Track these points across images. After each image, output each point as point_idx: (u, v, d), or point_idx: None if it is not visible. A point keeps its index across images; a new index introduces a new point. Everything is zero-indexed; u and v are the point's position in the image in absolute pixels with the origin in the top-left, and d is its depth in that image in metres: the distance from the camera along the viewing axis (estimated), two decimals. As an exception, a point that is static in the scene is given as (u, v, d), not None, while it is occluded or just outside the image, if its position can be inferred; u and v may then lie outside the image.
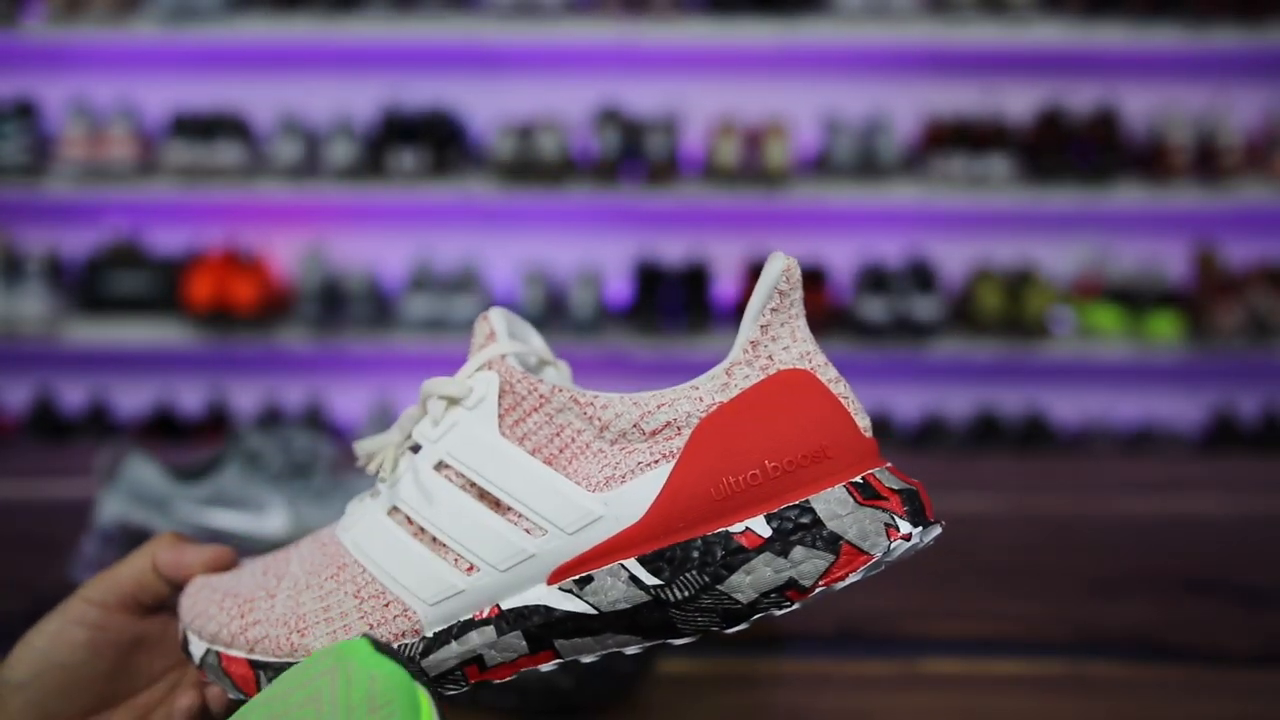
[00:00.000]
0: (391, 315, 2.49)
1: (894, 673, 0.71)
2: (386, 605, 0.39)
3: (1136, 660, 0.73)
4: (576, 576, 0.38)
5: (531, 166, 2.36)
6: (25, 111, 2.43)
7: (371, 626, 0.39)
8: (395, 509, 0.41)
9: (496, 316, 0.42)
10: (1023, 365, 2.61)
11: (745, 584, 0.36)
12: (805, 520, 0.36)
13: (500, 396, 0.40)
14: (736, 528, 0.36)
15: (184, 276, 2.45)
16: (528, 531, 0.38)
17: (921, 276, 2.43)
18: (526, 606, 0.38)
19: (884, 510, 0.36)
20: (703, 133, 2.52)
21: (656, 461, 0.37)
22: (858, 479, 0.37)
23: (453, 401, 0.40)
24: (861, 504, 0.36)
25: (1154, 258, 2.52)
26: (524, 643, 0.38)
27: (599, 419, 0.38)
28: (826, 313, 2.43)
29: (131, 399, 2.65)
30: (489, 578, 0.38)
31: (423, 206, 2.60)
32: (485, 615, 0.39)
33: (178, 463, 0.82)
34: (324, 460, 0.84)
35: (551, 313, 2.46)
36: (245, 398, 2.67)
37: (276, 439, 0.83)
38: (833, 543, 0.36)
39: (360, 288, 2.43)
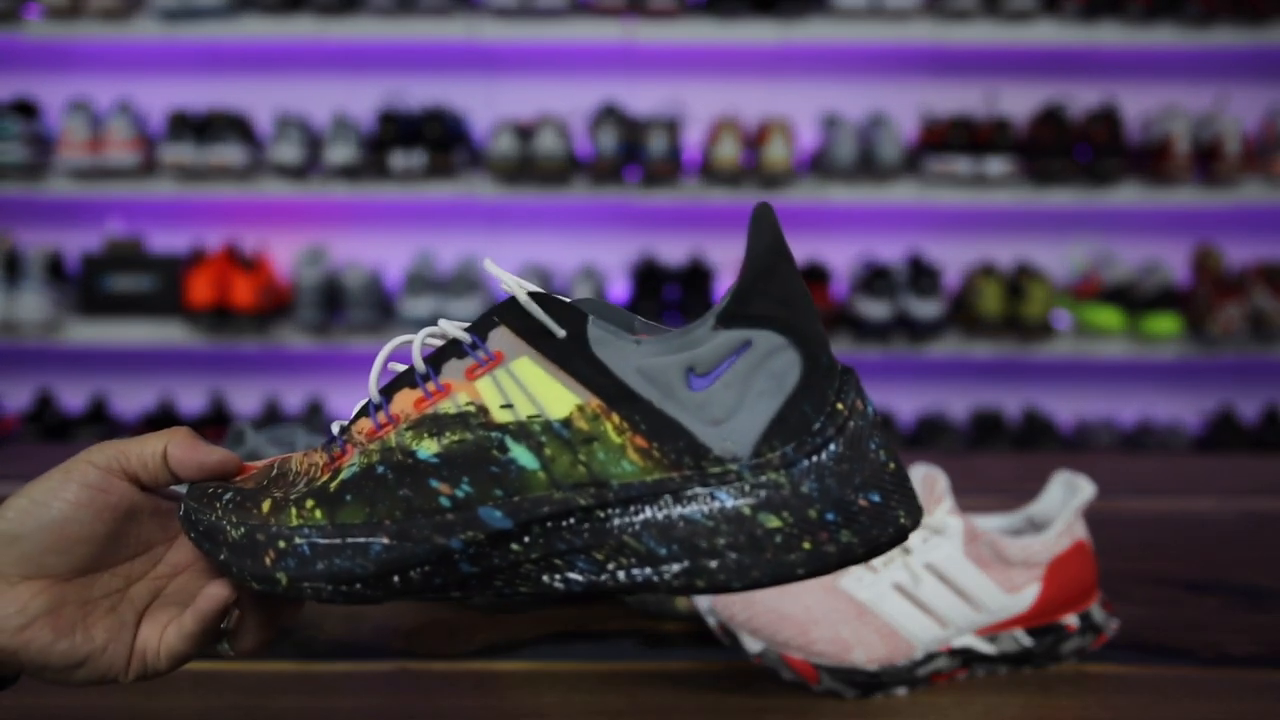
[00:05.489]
0: (391, 315, 2.49)
1: (894, 673, 0.71)
2: (896, 638, 0.68)
3: (1136, 660, 0.74)
4: (991, 635, 0.70)
5: (531, 166, 2.36)
6: (25, 111, 2.43)
7: (888, 652, 0.67)
8: (898, 586, 0.68)
9: (943, 481, 0.71)
10: (1022, 365, 2.61)
11: (1069, 649, 0.72)
12: (1089, 619, 0.72)
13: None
14: (1067, 620, 0.71)
15: (184, 276, 2.45)
16: (974, 608, 0.69)
17: (921, 276, 2.43)
18: (965, 646, 0.70)
19: (1109, 615, 0.73)
20: (703, 133, 2.52)
21: (1033, 580, 0.70)
22: (1099, 598, 0.73)
23: (935, 531, 0.69)
24: (1103, 610, 0.73)
25: (1154, 258, 2.52)
26: (958, 663, 0.70)
27: (1002, 553, 0.69)
28: (826, 313, 2.43)
29: (131, 399, 2.65)
30: (951, 629, 0.69)
31: (423, 206, 2.60)
32: (943, 650, 0.69)
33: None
34: (324, 460, 0.84)
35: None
36: (245, 398, 2.67)
37: (276, 439, 0.83)
38: (1098, 629, 0.72)
39: (360, 288, 2.43)
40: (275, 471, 0.48)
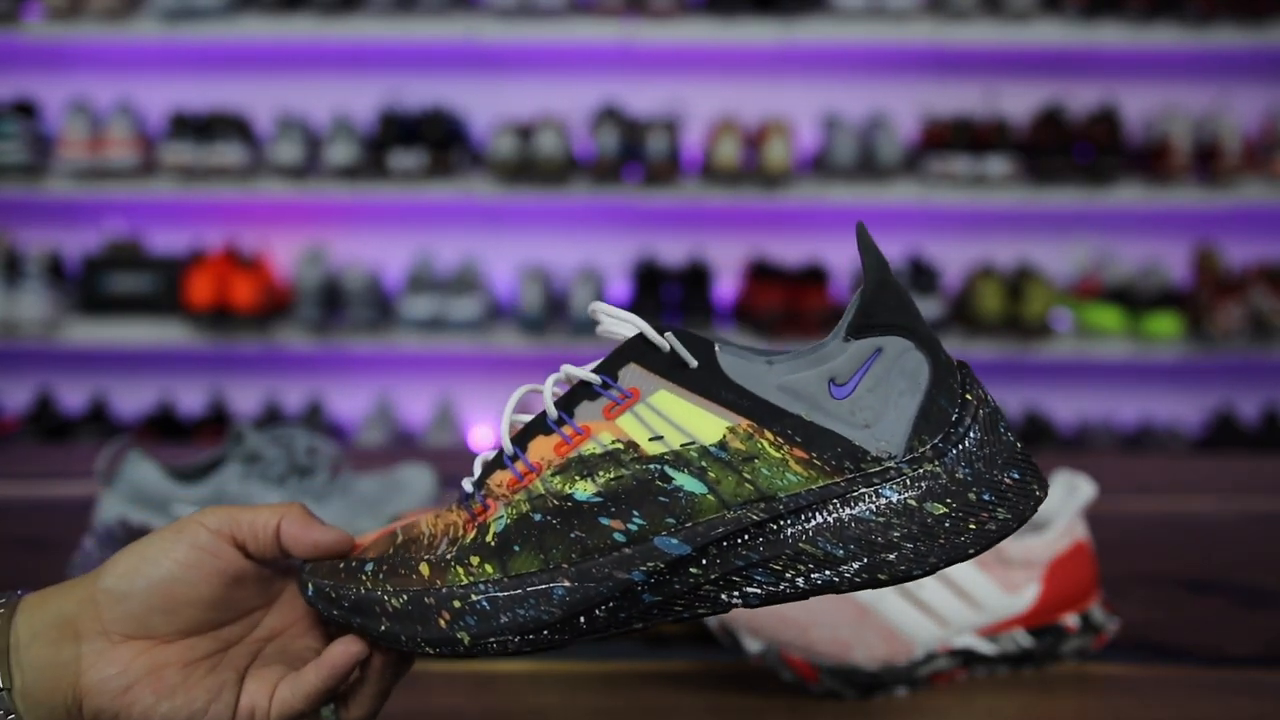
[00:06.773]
0: (391, 315, 2.49)
1: (894, 673, 0.71)
2: (896, 638, 0.67)
3: (1136, 660, 0.74)
4: (991, 635, 0.70)
5: (531, 166, 2.36)
6: (25, 111, 2.43)
7: (888, 652, 0.66)
8: (898, 586, 0.63)
9: None
10: (1023, 365, 2.61)
11: (1069, 650, 0.71)
12: (1090, 619, 0.72)
13: None
14: (1067, 620, 0.71)
15: (184, 276, 2.45)
16: (974, 608, 0.69)
17: (921, 276, 2.43)
18: (965, 646, 0.69)
19: (1109, 614, 0.73)
20: (703, 133, 2.52)
21: (1033, 580, 0.70)
22: (1100, 598, 0.73)
23: None
24: (1103, 610, 0.73)
25: (1154, 258, 2.52)
26: (958, 663, 0.69)
27: (1002, 553, 0.69)
28: (827, 313, 2.43)
29: (131, 399, 2.65)
30: (952, 629, 0.68)
31: (423, 206, 2.60)
32: (943, 650, 0.69)
33: (178, 463, 0.82)
34: (324, 460, 0.84)
35: (552, 313, 2.46)
36: (245, 398, 2.67)
37: (276, 439, 0.83)
38: (1098, 629, 0.72)
39: (360, 288, 2.43)
40: (401, 538, 0.48)
